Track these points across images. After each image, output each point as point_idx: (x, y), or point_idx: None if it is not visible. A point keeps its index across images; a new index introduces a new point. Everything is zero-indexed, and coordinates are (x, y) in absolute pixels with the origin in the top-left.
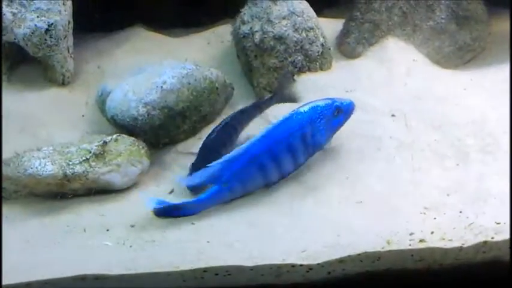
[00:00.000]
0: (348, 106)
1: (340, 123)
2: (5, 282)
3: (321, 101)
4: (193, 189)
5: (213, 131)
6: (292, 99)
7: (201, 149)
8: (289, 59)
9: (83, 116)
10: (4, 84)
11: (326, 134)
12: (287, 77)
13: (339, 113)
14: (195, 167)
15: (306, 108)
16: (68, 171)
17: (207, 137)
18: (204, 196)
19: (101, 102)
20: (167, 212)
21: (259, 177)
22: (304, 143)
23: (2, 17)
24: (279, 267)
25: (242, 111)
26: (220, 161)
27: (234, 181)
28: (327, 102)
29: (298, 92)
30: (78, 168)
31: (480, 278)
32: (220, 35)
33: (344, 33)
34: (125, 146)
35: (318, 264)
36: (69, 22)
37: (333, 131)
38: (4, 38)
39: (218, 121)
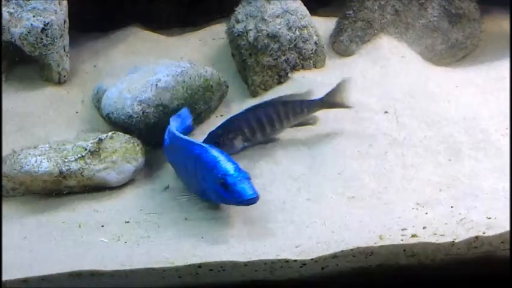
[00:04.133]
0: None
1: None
2: (3, 278)
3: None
4: None
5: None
6: (341, 105)
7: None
8: (283, 57)
9: (76, 112)
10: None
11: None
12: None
13: (227, 188)
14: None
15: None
16: (63, 169)
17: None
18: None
19: (97, 100)
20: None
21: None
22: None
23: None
24: (273, 262)
25: (285, 103)
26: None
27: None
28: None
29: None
30: (74, 166)
31: (472, 272)
32: (215, 33)
33: (337, 32)
34: (120, 143)
35: (312, 259)
36: (65, 21)
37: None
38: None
39: (212, 119)
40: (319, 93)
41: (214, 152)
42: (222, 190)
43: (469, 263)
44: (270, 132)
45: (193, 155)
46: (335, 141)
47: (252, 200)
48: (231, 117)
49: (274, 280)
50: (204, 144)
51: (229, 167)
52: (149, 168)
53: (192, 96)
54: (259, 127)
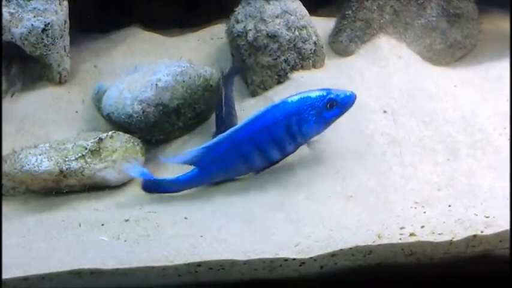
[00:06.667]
0: (345, 99)
1: (335, 116)
2: (3, 276)
3: (315, 91)
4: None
5: (220, 106)
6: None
7: (219, 124)
8: (283, 57)
9: (77, 112)
10: None
11: (316, 125)
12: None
13: (332, 105)
14: None
15: (295, 98)
16: (64, 168)
17: (218, 113)
18: (183, 177)
19: (97, 100)
20: (149, 186)
21: (241, 164)
22: (290, 133)
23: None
24: (272, 261)
25: (226, 84)
26: (203, 145)
27: (213, 166)
28: (320, 94)
29: None
30: (74, 165)
31: (470, 271)
32: (215, 34)
33: (336, 32)
34: (120, 142)
35: (311, 258)
36: (65, 22)
37: (325, 123)
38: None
39: (212, 119)
40: None
41: (292, 99)
42: (331, 110)
43: (467, 261)
44: None
45: (279, 118)
46: (333, 140)
47: (354, 96)
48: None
49: (273, 279)
50: (273, 105)
51: (315, 93)
52: (149, 168)
53: (191, 95)
54: None
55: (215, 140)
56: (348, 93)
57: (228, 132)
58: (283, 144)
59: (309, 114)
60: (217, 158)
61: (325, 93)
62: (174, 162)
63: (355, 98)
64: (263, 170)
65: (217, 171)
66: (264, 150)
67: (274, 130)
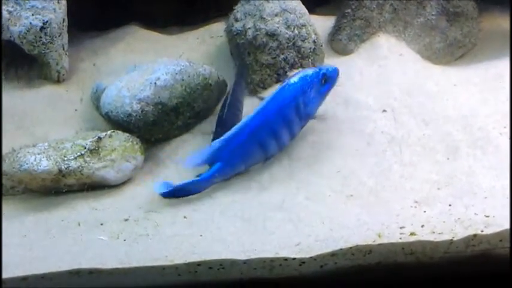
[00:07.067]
0: (333, 72)
1: (328, 90)
2: (2, 276)
3: (309, 70)
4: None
5: (223, 106)
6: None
7: (219, 125)
8: (282, 56)
9: (75, 110)
10: None
11: (316, 102)
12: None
13: (326, 80)
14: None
15: (296, 78)
16: (63, 167)
17: (221, 113)
18: (207, 174)
19: (96, 98)
20: (174, 194)
21: (258, 152)
22: (298, 113)
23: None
24: (272, 260)
25: (236, 87)
26: (220, 139)
27: (234, 157)
28: (314, 71)
29: None
30: (73, 164)
31: (470, 270)
32: (214, 32)
33: (336, 30)
34: (119, 141)
35: (311, 257)
36: (63, 20)
37: (321, 99)
38: None
39: (212, 117)
40: None
41: (294, 80)
42: (325, 84)
43: (467, 261)
44: None
45: (289, 100)
46: (333, 139)
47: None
48: None
49: (273, 278)
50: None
51: (309, 71)
52: (148, 167)
53: (190, 94)
54: None
55: (232, 131)
56: (333, 68)
57: (242, 122)
58: (293, 126)
59: (311, 92)
60: (237, 149)
61: (318, 70)
62: (196, 164)
63: (339, 72)
64: (271, 157)
65: (238, 163)
66: (278, 135)
67: (286, 112)
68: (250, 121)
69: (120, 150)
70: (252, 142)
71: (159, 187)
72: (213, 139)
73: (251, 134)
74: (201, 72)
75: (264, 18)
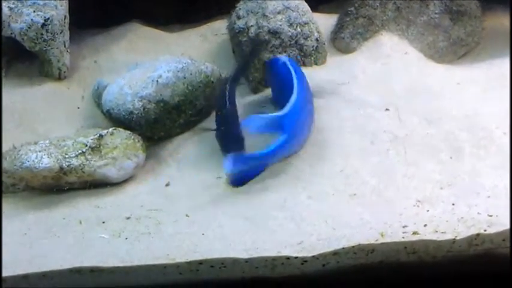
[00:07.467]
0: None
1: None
2: (3, 274)
3: None
4: None
5: (224, 101)
6: None
7: (220, 119)
8: (284, 54)
9: (78, 108)
10: None
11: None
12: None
13: None
14: (220, 137)
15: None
16: (64, 164)
17: (221, 108)
18: (274, 146)
19: (97, 96)
20: (244, 175)
21: (309, 124)
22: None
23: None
24: (273, 259)
25: (233, 79)
26: (279, 113)
27: (297, 129)
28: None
29: None
30: (75, 162)
31: (473, 269)
32: (216, 30)
33: (339, 28)
34: (121, 139)
35: (313, 256)
36: (65, 17)
37: None
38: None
39: (212, 115)
40: (319, 91)
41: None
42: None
43: (470, 260)
44: None
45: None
46: (336, 138)
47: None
48: None
49: (275, 277)
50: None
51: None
52: (150, 165)
53: (192, 92)
54: None
55: (290, 104)
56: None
57: (294, 97)
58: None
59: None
60: (296, 121)
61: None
62: (256, 128)
63: None
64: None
65: (299, 135)
66: (312, 112)
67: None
68: (298, 94)
69: (122, 148)
70: (305, 113)
71: (231, 162)
72: (216, 136)
73: (302, 106)
74: (203, 70)
75: (267, 16)
